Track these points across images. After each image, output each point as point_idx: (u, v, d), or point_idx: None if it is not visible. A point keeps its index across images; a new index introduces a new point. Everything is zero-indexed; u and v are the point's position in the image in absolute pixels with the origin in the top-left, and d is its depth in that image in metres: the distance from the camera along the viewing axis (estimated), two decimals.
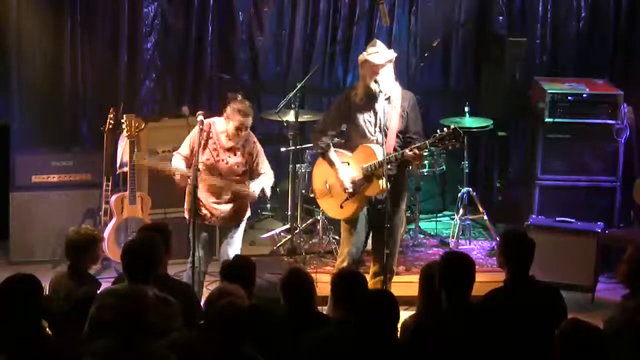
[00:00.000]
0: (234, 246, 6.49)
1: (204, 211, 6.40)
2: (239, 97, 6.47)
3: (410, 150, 6.01)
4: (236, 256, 5.46)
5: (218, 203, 6.41)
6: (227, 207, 6.43)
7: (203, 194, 6.38)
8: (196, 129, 6.35)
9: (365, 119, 6.22)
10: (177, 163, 6.37)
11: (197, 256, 6.33)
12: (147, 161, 7.01)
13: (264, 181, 6.44)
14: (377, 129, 6.16)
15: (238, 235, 6.53)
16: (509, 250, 4.91)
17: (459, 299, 4.56)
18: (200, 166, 6.29)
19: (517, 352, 4.60)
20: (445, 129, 6.00)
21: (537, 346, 4.59)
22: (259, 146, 6.49)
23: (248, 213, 6.60)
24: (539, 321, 4.69)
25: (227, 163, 6.37)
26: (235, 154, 6.38)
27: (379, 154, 6.06)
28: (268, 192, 6.50)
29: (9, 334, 4.22)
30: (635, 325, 4.29)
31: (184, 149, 6.42)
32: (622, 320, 4.50)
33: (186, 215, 6.49)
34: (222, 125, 6.37)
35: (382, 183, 6.02)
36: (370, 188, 6.18)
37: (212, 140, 6.37)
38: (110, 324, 4.10)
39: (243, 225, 6.58)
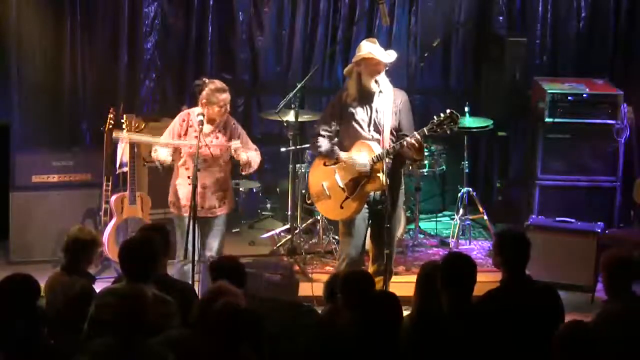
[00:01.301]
0: (218, 238, 6.43)
1: (186, 202, 6.36)
2: (206, 80, 6.42)
3: (407, 143, 5.99)
4: (224, 257, 5.38)
5: (203, 193, 6.35)
6: (212, 198, 6.40)
7: (187, 186, 6.34)
8: (175, 121, 6.41)
9: (359, 118, 6.21)
10: (161, 150, 6.36)
11: (188, 251, 6.29)
12: (129, 135, 6.91)
13: (252, 153, 6.39)
14: (372, 127, 6.16)
15: (221, 227, 6.46)
16: (508, 251, 4.90)
17: (459, 299, 4.56)
18: (185, 157, 6.33)
19: (515, 352, 4.60)
20: (442, 114, 6.00)
21: (535, 346, 4.59)
22: (240, 128, 6.47)
23: (231, 206, 6.55)
24: (536, 321, 4.69)
25: (209, 148, 6.31)
26: (216, 137, 6.36)
27: (377, 149, 6.06)
28: (254, 166, 6.43)
29: (6, 333, 4.22)
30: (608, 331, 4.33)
31: (165, 138, 6.43)
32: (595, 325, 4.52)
33: (171, 208, 6.50)
34: (200, 112, 6.34)
35: (382, 177, 6.01)
36: (370, 183, 6.17)
37: (192, 128, 6.36)
38: (109, 324, 4.10)
39: (225, 217, 6.51)
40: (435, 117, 6.04)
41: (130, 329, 4.05)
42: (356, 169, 6.18)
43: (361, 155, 6.18)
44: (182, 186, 6.40)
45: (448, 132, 6.10)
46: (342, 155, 6.26)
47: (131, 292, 4.24)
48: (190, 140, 6.32)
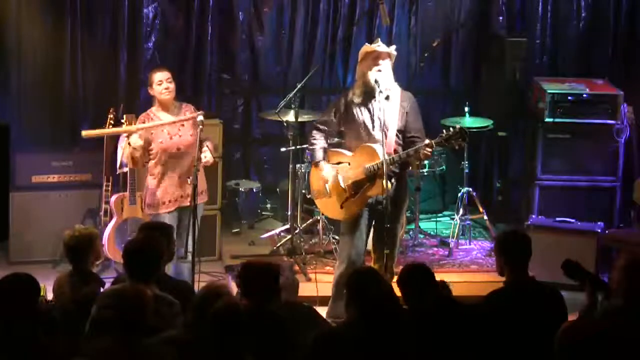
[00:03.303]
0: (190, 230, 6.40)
1: (168, 197, 6.46)
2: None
3: (417, 152, 6.02)
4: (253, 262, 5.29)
5: (180, 183, 6.44)
6: (188, 186, 6.43)
7: (167, 181, 6.44)
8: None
9: (364, 118, 6.23)
10: (132, 136, 6.42)
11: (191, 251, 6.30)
12: (98, 132, 7.03)
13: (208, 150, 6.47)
14: (377, 127, 6.16)
15: (197, 218, 6.44)
16: (510, 250, 4.88)
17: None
18: (159, 153, 6.41)
19: (519, 352, 4.60)
20: (451, 129, 6.02)
21: (538, 347, 4.58)
22: (193, 109, 6.59)
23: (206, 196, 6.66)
24: (540, 322, 4.68)
25: (181, 136, 6.44)
26: (183, 125, 6.48)
27: (381, 153, 6.07)
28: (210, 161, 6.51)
29: (5, 334, 4.21)
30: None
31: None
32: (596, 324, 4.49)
33: (146, 211, 6.60)
34: (155, 107, 6.52)
35: (384, 183, 6.02)
36: (373, 188, 6.18)
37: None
38: (108, 323, 4.11)
39: (202, 207, 6.57)
40: (444, 130, 6.07)
41: (129, 329, 4.05)
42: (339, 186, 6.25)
43: (350, 170, 6.22)
44: (160, 184, 6.46)
45: (456, 147, 6.12)
46: (326, 169, 6.30)
47: (129, 292, 4.24)
48: (160, 135, 6.41)
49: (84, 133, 6.70)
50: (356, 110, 6.25)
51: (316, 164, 6.40)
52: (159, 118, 6.48)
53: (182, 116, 6.48)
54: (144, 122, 6.48)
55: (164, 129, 6.44)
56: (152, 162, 6.46)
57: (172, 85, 6.48)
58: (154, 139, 6.42)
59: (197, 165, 6.26)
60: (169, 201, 6.47)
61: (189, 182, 6.29)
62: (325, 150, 6.42)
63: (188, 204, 6.44)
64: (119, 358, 4.05)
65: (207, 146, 6.42)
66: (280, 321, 4.38)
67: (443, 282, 4.89)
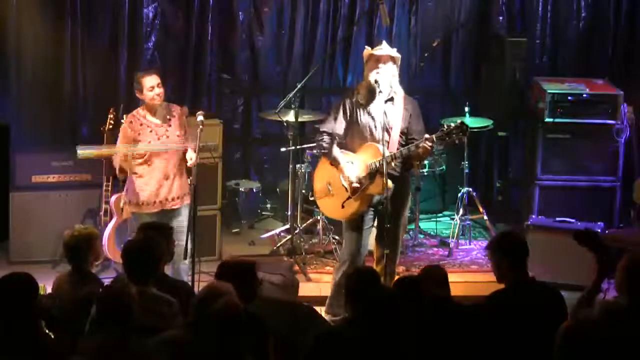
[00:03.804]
0: (184, 231, 6.33)
1: (153, 198, 6.45)
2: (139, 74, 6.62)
3: (417, 147, 6.03)
4: (232, 259, 5.33)
5: (169, 184, 6.44)
6: (177, 187, 6.45)
7: (152, 181, 6.43)
8: (125, 129, 6.50)
9: (368, 119, 6.25)
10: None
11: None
12: (95, 152, 7.00)
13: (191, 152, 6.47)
14: (380, 128, 6.17)
15: (184, 219, 6.45)
16: (515, 252, 4.87)
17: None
18: (145, 153, 6.40)
19: (519, 353, 4.60)
20: (451, 123, 6.05)
21: (538, 347, 4.58)
22: (184, 118, 6.59)
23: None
24: (540, 322, 4.68)
25: (168, 137, 6.43)
26: (170, 126, 6.48)
27: (383, 152, 6.08)
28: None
29: (5, 333, 4.21)
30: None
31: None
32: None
33: (129, 208, 6.58)
34: (142, 109, 6.51)
35: (385, 181, 6.02)
36: (373, 186, 6.18)
37: (144, 125, 6.46)
38: (100, 323, 4.12)
39: (187, 209, 6.51)
40: (445, 125, 6.08)
41: (118, 328, 4.06)
42: (348, 181, 6.22)
43: (354, 167, 6.21)
44: (145, 183, 6.45)
45: (456, 142, 6.13)
46: (341, 163, 6.28)
47: (113, 291, 4.25)
48: (148, 136, 6.40)
49: (80, 153, 6.64)
50: (361, 111, 6.27)
51: (337, 164, 6.32)
52: (146, 119, 6.46)
53: (178, 130, 6.48)
54: (130, 122, 6.46)
55: (152, 129, 6.43)
56: (137, 161, 6.44)
57: (162, 90, 6.47)
58: (141, 139, 6.42)
59: (196, 164, 6.28)
60: (154, 202, 6.46)
61: (189, 182, 6.29)
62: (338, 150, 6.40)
63: (174, 207, 6.45)
64: (118, 357, 4.06)
65: (189, 148, 6.41)
66: (259, 321, 4.37)
67: (438, 267, 4.91)
